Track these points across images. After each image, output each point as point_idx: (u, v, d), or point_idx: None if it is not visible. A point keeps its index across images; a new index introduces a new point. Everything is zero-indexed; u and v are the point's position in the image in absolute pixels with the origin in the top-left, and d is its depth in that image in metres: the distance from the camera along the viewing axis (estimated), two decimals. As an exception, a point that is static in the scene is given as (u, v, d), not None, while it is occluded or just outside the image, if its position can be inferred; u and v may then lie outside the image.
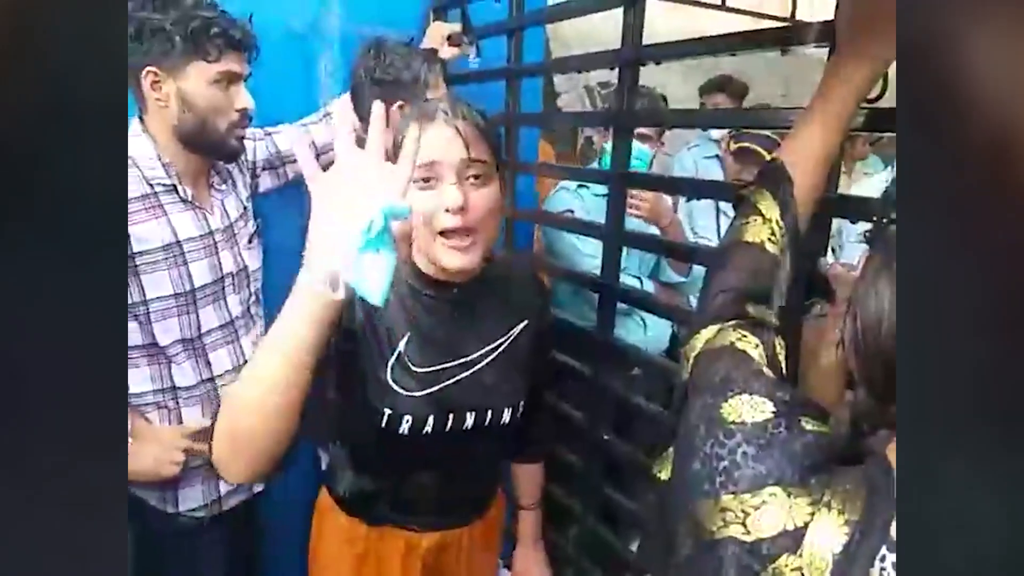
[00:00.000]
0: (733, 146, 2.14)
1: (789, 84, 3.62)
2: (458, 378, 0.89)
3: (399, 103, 1.24)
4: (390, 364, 0.86)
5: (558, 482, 1.37)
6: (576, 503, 1.30)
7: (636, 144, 1.18)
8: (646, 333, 1.68)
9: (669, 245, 1.52)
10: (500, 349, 0.93)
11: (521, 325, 0.95)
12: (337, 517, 0.98)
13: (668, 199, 1.67)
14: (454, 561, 1.00)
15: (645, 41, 1.04)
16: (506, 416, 0.93)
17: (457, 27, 1.46)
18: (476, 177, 0.80)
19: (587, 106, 2.88)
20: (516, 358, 0.94)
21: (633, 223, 1.63)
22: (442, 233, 0.80)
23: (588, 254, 1.58)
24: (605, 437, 1.21)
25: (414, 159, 0.65)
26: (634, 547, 1.29)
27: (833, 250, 2.13)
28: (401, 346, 0.86)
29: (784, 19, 3.80)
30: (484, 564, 1.08)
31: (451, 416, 0.89)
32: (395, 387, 0.86)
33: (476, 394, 0.90)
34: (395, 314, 0.86)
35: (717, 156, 2.31)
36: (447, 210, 0.78)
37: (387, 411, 0.86)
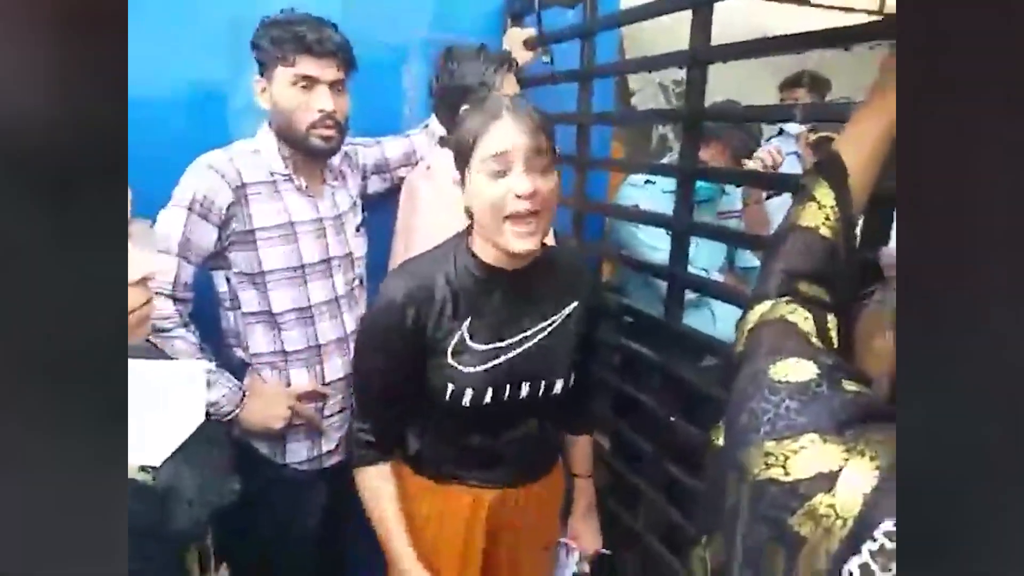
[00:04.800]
0: (812, 138, 2.11)
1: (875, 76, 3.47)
2: (514, 354, 0.98)
3: (465, 107, 1.34)
4: (452, 346, 0.96)
5: (628, 465, 1.43)
6: (644, 484, 1.35)
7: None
8: (715, 326, 1.71)
9: (737, 236, 1.54)
10: (552, 326, 1.02)
11: (572, 305, 1.04)
12: (405, 480, 1.06)
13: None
14: (515, 515, 1.08)
15: (726, 40, 1.08)
16: (558, 387, 1.02)
17: (532, 31, 1.55)
18: (541, 166, 0.88)
19: (661, 103, 2.90)
20: (567, 335, 1.03)
21: (703, 216, 1.67)
22: (508, 217, 0.88)
23: (649, 244, 1.64)
24: (671, 419, 1.26)
25: None
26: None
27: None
28: (464, 329, 0.96)
29: (873, 11, 3.65)
30: (544, 521, 1.16)
31: (508, 387, 0.98)
32: (457, 366, 0.96)
33: (530, 367, 0.99)
34: (458, 302, 0.96)
35: (796, 153, 2.28)
36: (517, 196, 0.86)
37: (450, 386, 0.96)
